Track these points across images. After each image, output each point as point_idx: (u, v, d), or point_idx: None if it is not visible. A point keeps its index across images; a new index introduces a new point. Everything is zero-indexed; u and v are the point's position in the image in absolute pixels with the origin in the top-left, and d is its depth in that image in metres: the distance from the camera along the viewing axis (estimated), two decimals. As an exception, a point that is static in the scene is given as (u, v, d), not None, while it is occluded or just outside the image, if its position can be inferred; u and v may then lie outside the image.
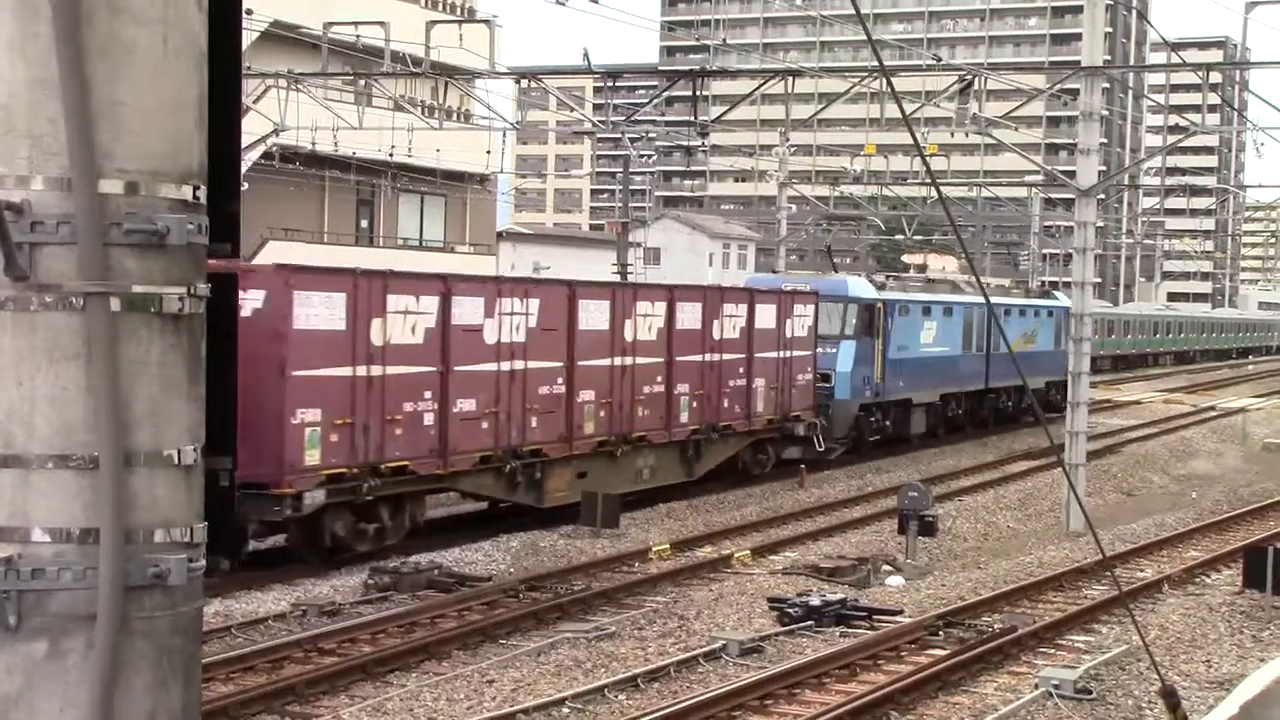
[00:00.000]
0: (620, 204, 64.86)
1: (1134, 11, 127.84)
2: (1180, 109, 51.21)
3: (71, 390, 3.30)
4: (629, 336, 27.59)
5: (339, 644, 17.92)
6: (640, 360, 27.99)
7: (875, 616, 19.90)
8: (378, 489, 22.08)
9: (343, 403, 21.35)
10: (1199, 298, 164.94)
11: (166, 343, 3.37)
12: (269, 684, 15.98)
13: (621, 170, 66.65)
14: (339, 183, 51.39)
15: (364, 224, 55.00)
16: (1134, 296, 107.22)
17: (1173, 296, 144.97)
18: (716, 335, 30.35)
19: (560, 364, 25.86)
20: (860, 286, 37.88)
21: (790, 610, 19.70)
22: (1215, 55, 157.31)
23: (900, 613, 20.15)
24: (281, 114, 34.21)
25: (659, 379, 28.64)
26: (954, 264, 54.94)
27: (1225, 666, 17.81)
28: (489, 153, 42.68)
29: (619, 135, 48.48)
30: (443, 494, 25.93)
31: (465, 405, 23.49)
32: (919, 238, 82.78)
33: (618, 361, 27.36)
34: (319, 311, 20.96)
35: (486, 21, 39.48)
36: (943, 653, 18.04)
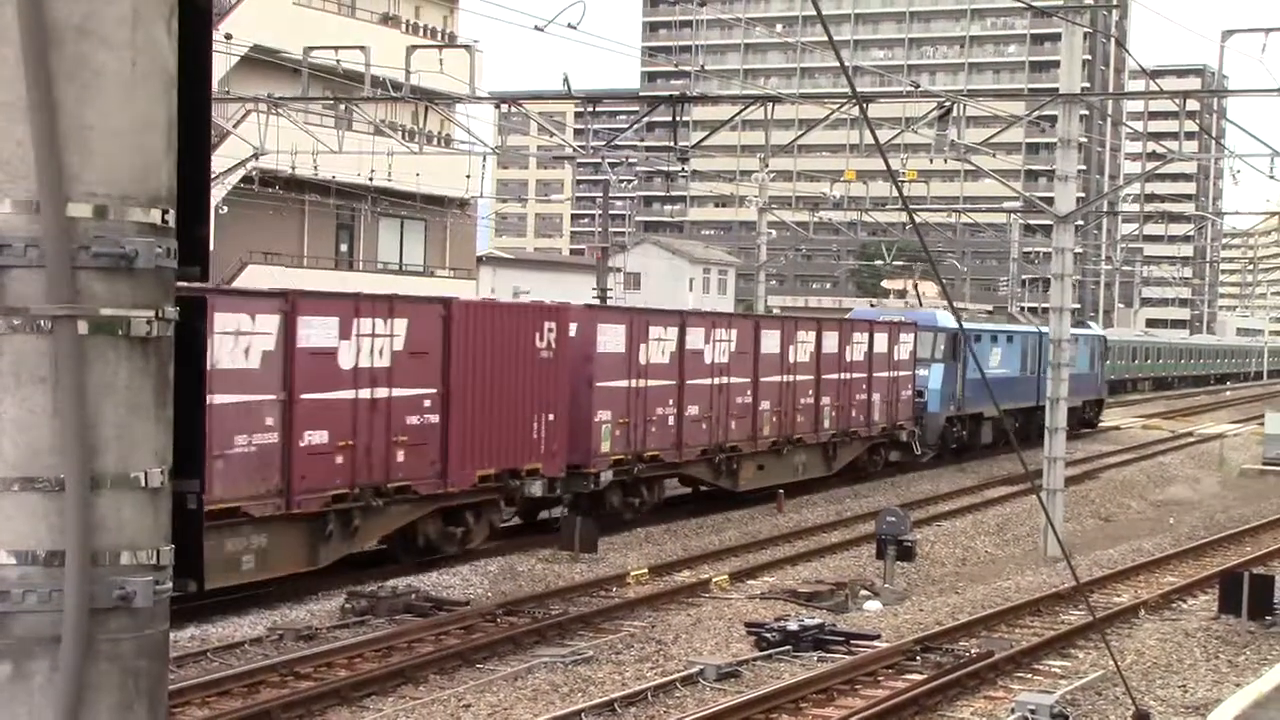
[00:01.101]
0: (600, 229, 64.92)
1: (1112, 40, 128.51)
2: (1159, 136, 51.40)
3: (38, 413, 3.30)
4: (790, 359, 34.75)
5: (315, 668, 17.87)
6: (799, 378, 35.11)
7: (853, 641, 19.91)
8: (642, 472, 29.43)
9: (623, 407, 28.64)
10: (1177, 324, 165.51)
11: (134, 366, 3.38)
12: (245, 709, 15.93)
13: (602, 195, 66.72)
14: (319, 206, 51.37)
15: (344, 248, 54.98)
16: (1113, 322, 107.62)
17: (1151, 323, 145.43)
18: (848, 358, 37.28)
19: (749, 380, 32.83)
20: (946, 318, 43.73)
21: (768, 635, 19.70)
22: (1193, 83, 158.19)
23: (878, 638, 20.16)
24: (261, 138, 34.17)
25: (810, 393, 35.65)
26: (934, 289, 55.42)
27: (1201, 691, 17.85)
28: (469, 177, 42.69)
29: (599, 160, 48.55)
30: (671, 478, 32.02)
31: (692, 410, 30.87)
32: (899, 263, 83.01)
33: (785, 379, 34.39)
34: (611, 340, 28.42)
35: (467, 47, 39.50)
36: (920, 678, 18.05)
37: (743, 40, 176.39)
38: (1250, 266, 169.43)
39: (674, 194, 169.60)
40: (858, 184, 57.94)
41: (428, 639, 19.57)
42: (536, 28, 28.49)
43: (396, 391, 22.90)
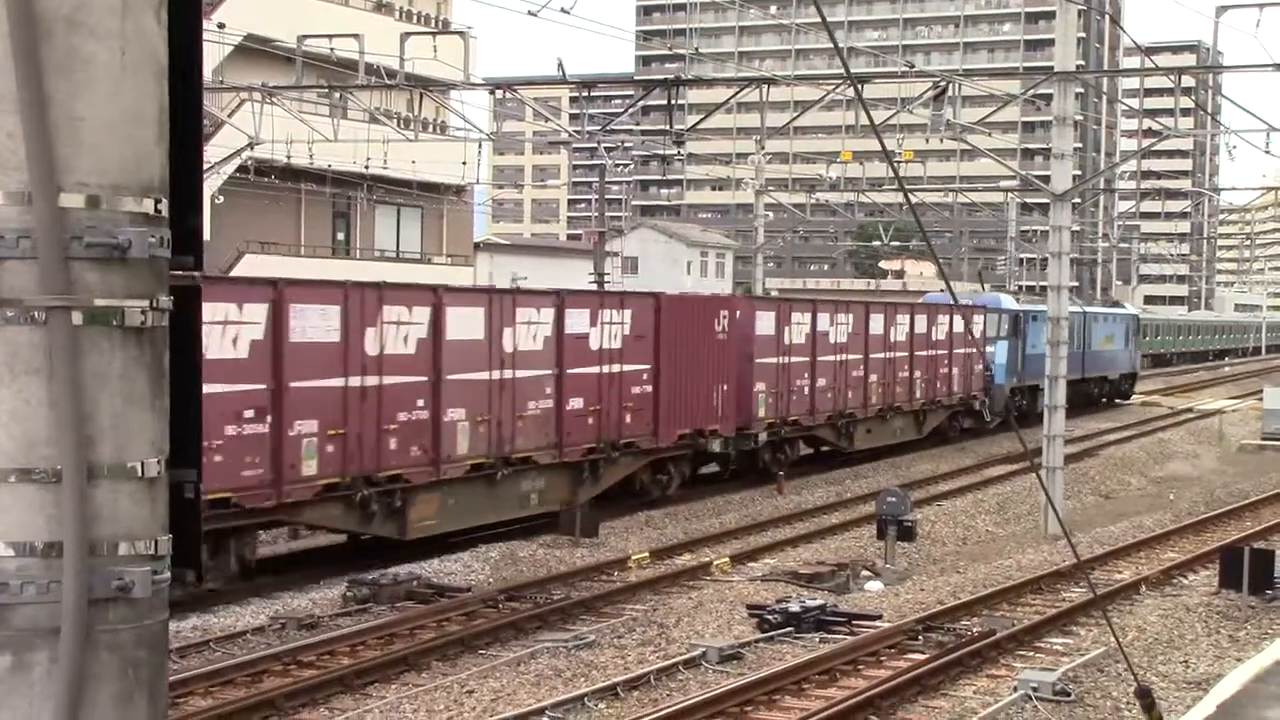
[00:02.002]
0: (597, 214, 64.87)
1: (1107, 17, 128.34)
2: (1154, 113, 51.35)
3: (33, 404, 3.30)
4: (891, 338, 40.06)
5: (318, 656, 17.90)
6: (898, 355, 40.57)
7: (854, 622, 19.94)
8: (787, 433, 34.99)
9: (773, 379, 34.02)
10: (1175, 300, 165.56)
11: (129, 356, 3.38)
12: (248, 698, 15.95)
13: (598, 180, 66.65)
14: (315, 195, 51.32)
15: (340, 236, 54.93)
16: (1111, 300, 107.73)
17: (1149, 299, 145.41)
18: (933, 337, 42.80)
19: (861, 356, 38.27)
20: (1009, 301, 50.28)
21: (769, 617, 19.72)
22: (1188, 59, 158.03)
23: (879, 618, 20.18)
24: (256, 127, 34.12)
25: (906, 367, 40.96)
26: (932, 269, 56.00)
27: (1202, 667, 17.88)
28: (465, 164, 42.68)
29: (595, 145, 48.48)
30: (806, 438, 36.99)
31: (821, 382, 36.27)
32: (896, 244, 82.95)
33: (888, 355, 39.88)
34: (765, 324, 33.97)
35: (461, 33, 39.45)
36: (922, 657, 18.08)
37: (737, 23, 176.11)
38: (1247, 242, 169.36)
39: (670, 178, 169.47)
40: (854, 165, 57.94)
41: (430, 625, 19.60)
42: (530, 13, 28.44)
43: (626, 367, 28.60)
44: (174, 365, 3.54)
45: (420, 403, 23.22)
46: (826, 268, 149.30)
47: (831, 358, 36.79)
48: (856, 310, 38.92)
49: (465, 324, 24.19)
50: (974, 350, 44.58)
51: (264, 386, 20.63)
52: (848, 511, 30.77)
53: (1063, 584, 23.10)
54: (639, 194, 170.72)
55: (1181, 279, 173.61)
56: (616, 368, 28.10)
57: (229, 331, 20.05)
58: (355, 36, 32.02)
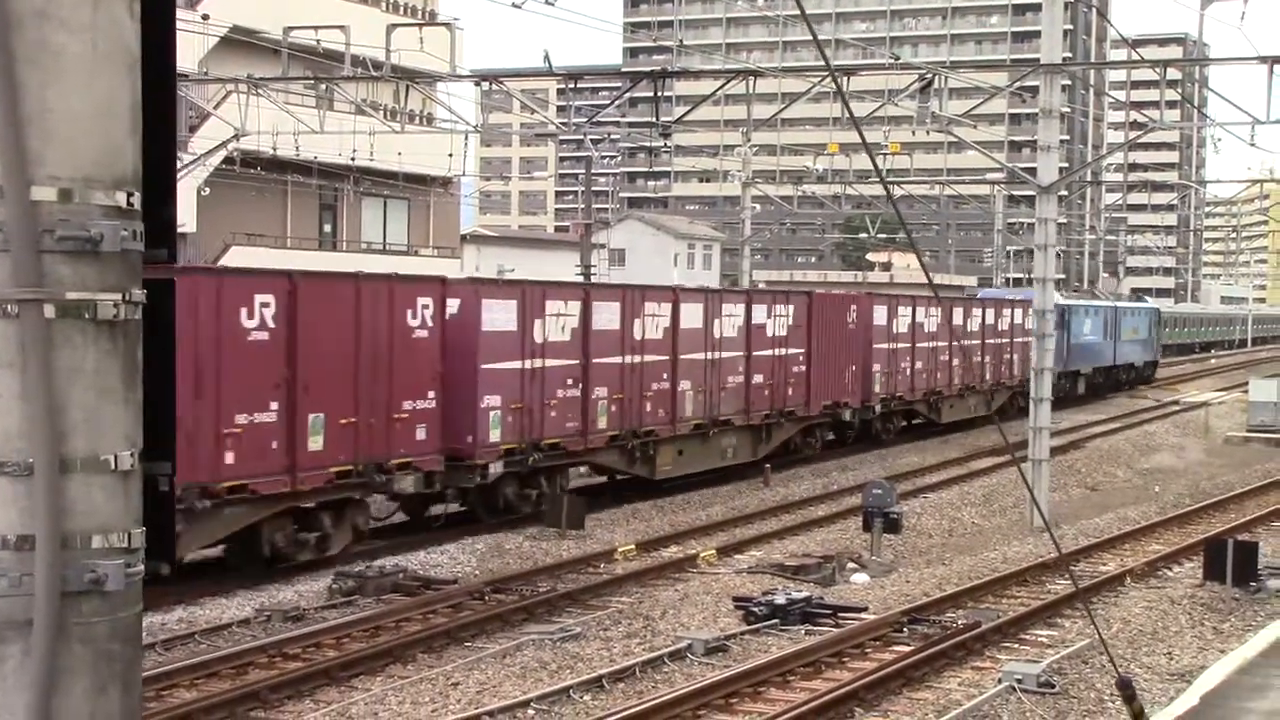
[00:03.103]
0: (584, 206, 64.85)
1: (1094, 9, 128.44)
2: (1141, 105, 51.46)
3: (6, 397, 3.30)
4: (968, 328, 46.92)
5: (303, 649, 17.89)
6: (972, 342, 47.07)
7: (840, 614, 19.95)
8: (895, 407, 41.96)
9: (887, 362, 40.77)
10: (1162, 293, 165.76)
11: (102, 349, 3.38)
12: (233, 690, 15.94)
13: (585, 172, 66.63)
14: (301, 187, 51.23)
15: (327, 228, 54.85)
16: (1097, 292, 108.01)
17: (1136, 291, 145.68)
18: (999, 327, 49.25)
19: (946, 344, 44.08)
20: (1056, 296, 58.39)
21: (755, 609, 19.75)
22: (1175, 52, 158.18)
23: (865, 610, 20.21)
24: (242, 119, 34.01)
25: (979, 353, 47.67)
26: (917, 261, 56.64)
27: (1186, 659, 17.93)
28: (451, 156, 42.59)
29: (582, 137, 48.46)
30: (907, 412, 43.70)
31: (918, 365, 42.79)
32: (883, 236, 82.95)
33: (967, 343, 46.53)
34: (881, 315, 40.48)
35: (447, 24, 39.42)
36: (907, 649, 18.11)
37: (724, 15, 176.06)
38: (1233, 234, 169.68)
39: (657, 169, 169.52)
40: (841, 157, 57.93)
41: (415, 618, 19.59)
42: (515, 4, 28.40)
43: (790, 350, 35.43)
44: (148, 358, 3.53)
45: (664, 376, 30.49)
46: (814, 260, 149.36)
47: (927, 344, 43.44)
48: (944, 305, 45.92)
49: (692, 316, 31.70)
50: (1030, 340, 47.66)
51: (578, 362, 27.77)
52: (834, 504, 30.79)
53: (1048, 576, 23.14)
54: (626, 186, 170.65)
55: (1168, 271, 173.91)
56: (783, 351, 35.12)
57: (561, 321, 27.34)
58: (341, 28, 31.92)
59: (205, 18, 42.12)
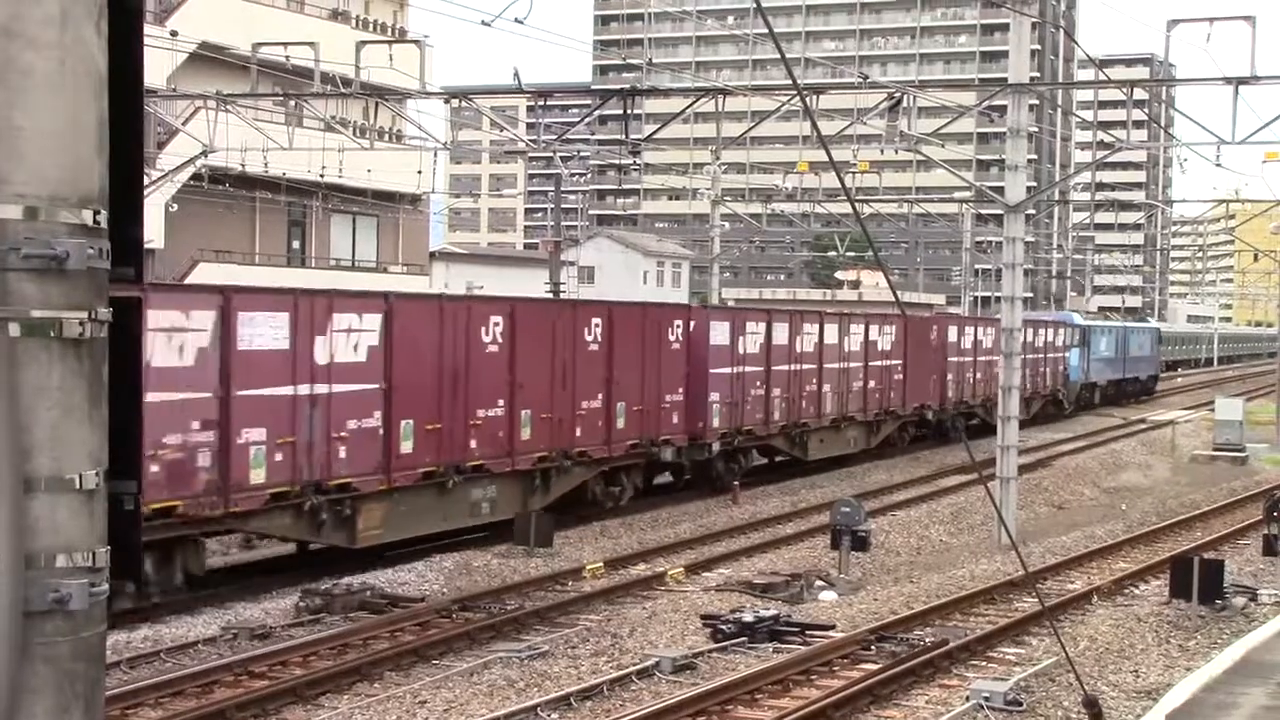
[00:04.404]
0: (553, 223, 64.85)
1: (1061, 30, 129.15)
2: (1108, 125, 51.82)
3: (-30, 416, 3.28)
4: (1021, 345, 52.23)
5: (270, 667, 17.81)
6: (1026, 356, 48.17)
7: (808, 632, 19.97)
8: (963, 409, 49.12)
9: (958, 373, 48.73)
10: (1130, 312, 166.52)
11: (67, 367, 3.37)
12: (198, 709, 15.87)
13: (554, 189, 66.63)
14: (270, 204, 51.10)
15: (295, 245, 54.72)
16: (1065, 310, 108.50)
17: (1104, 310, 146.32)
18: (1037, 344, 56.09)
19: (986, 359, 49.46)
20: (1078, 318, 69.48)
21: (723, 627, 19.75)
22: (1141, 72, 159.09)
23: (833, 628, 20.23)
24: (211, 135, 33.92)
25: (1031, 366, 52.54)
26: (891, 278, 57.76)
27: (1152, 676, 17.99)
28: (420, 173, 42.56)
29: (551, 154, 48.45)
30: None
31: (979, 375, 50.19)
32: (851, 254, 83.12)
33: (1027, 356, 49.34)
34: (954, 332, 49.04)
35: (417, 42, 39.33)
36: (875, 667, 18.14)
37: (694, 33, 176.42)
38: (1199, 254, 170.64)
39: (627, 187, 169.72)
40: (810, 176, 58.02)
41: (383, 636, 19.53)
42: (484, 22, 28.41)
43: (890, 362, 43.03)
44: (113, 377, 3.53)
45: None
46: (783, 278, 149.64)
47: (985, 359, 51.07)
48: (1000, 325, 52.44)
49: (830, 334, 39.39)
50: (1060, 354, 60.70)
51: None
52: (802, 521, 30.83)
53: (1015, 594, 23.21)
54: (596, 203, 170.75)
55: (1135, 290, 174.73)
56: (887, 363, 43.07)
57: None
58: (311, 45, 31.88)
59: (174, 34, 42.00)
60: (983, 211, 77.48)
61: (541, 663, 18.27)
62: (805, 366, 37.79)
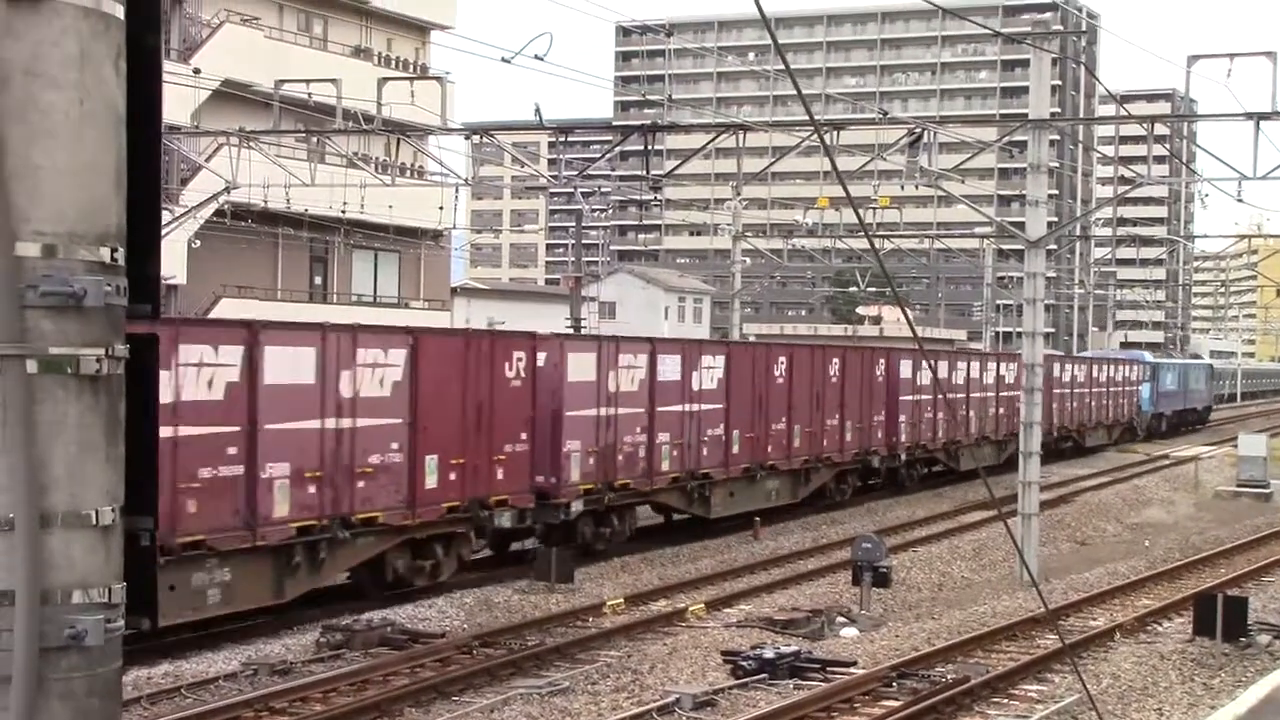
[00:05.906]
0: (574, 258, 64.97)
1: (1082, 65, 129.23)
2: (1129, 160, 51.76)
3: (-13, 452, 3.29)
4: (1092, 380, 61.74)
5: (290, 703, 17.79)
6: (1097, 390, 61.89)
7: (829, 668, 19.89)
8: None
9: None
10: (1152, 347, 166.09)
11: (84, 404, 3.38)
12: (218, 745, 15.84)
13: (575, 225, 66.80)
14: (292, 239, 51.31)
15: (318, 280, 54.91)
16: (1087, 345, 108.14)
17: (1125, 346, 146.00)
18: (1118, 379, 64.93)
19: (1087, 389, 60.33)
20: (1149, 356, 78.99)
21: (744, 663, 19.67)
22: (1163, 107, 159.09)
23: (854, 664, 20.15)
24: (233, 171, 34.13)
25: (1105, 399, 63.25)
26: (912, 314, 58.18)
27: (1176, 715, 17.88)
28: (442, 208, 42.69)
29: (572, 190, 48.57)
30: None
31: (1074, 404, 58.30)
32: (872, 289, 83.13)
33: (1095, 390, 61.86)
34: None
35: (438, 78, 39.56)
36: (896, 704, 18.05)
37: (715, 69, 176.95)
38: (1222, 289, 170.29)
39: (648, 223, 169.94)
40: (831, 211, 58.09)
41: (403, 672, 19.50)
42: (504, 59, 28.54)
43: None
44: (130, 412, 3.54)
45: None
46: (804, 313, 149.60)
47: (1081, 390, 58.17)
48: (1091, 363, 63.68)
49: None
50: (1135, 388, 69.21)
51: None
52: (824, 557, 30.72)
53: (1038, 631, 23.08)
54: (617, 239, 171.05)
55: (1157, 325, 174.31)
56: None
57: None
58: (333, 81, 32.07)
59: (197, 71, 42.30)
60: (1004, 247, 77.40)
61: (562, 699, 18.22)
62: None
